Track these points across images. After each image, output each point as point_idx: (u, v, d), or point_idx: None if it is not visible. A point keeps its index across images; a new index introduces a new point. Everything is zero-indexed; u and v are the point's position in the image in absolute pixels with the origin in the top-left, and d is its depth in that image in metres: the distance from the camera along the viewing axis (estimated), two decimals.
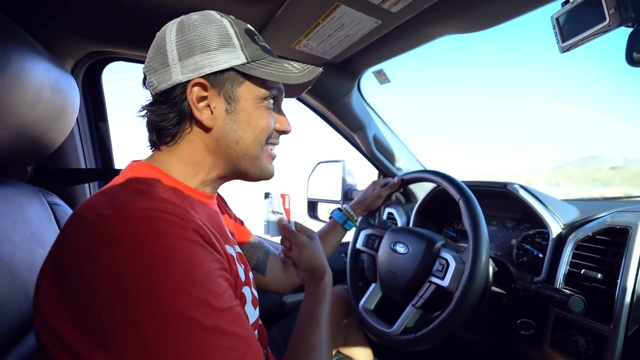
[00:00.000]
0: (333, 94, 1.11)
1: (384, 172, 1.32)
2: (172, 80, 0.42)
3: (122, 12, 0.72)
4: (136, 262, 0.30)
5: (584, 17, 0.49)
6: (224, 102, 0.44)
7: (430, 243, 0.74)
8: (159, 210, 0.34)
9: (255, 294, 0.52)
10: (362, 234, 0.93)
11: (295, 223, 0.64)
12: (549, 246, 0.75)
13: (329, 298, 0.57)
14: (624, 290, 0.59)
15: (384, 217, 1.25)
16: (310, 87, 0.52)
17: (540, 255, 0.81)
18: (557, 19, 0.53)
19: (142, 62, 0.46)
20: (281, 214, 0.63)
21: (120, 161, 1.17)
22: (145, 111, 0.46)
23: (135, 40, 0.85)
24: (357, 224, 0.88)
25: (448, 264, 0.68)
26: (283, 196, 0.63)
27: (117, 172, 0.45)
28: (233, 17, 0.47)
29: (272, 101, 0.48)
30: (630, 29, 0.46)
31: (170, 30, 0.43)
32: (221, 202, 0.66)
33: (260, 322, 0.55)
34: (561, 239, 0.74)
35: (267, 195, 0.62)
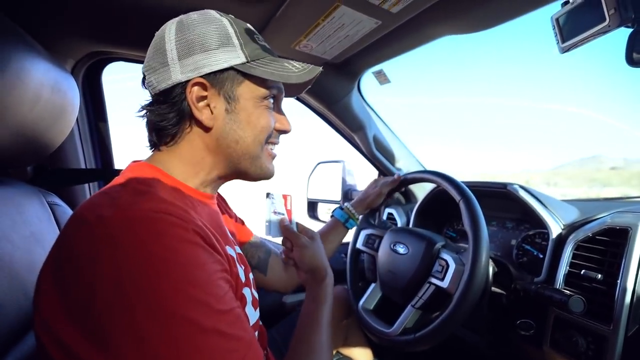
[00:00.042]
0: (333, 95, 1.10)
1: (383, 172, 1.32)
2: (172, 79, 0.42)
3: (122, 12, 0.72)
4: (137, 264, 0.30)
5: (583, 17, 0.49)
6: (224, 101, 0.44)
7: (430, 244, 0.74)
8: (160, 211, 0.34)
9: (256, 295, 0.52)
10: (362, 233, 0.93)
11: (297, 224, 0.63)
12: (549, 247, 0.75)
13: (330, 299, 0.57)
14: (624, 290, 0.59)
15: (384, 217, 1.24)
16: (310, 86, 0.52)
17: (540, 256, 0.81)
18: (557, 20, 0.53)
19: (142, 62, 0.46)
20: (283, 214, 0.62)
21: (120, 161, 1.17)
22: (144, 111, 0.45)
23: (135, 40, 0.85)
24: (358, 222, 0.88)
25: (448, 265, 0.68)
26: (285, 197, 0.63)
27: (117, 172, 0.45)
28: (232, 16, 0.46)
29: (272, 101, 0.48)
30: (630, 30, 0.46)
31: (169, 30, 0.43)
32: (221, 202, 0.66)
33: (260, 322, 0.55)
34: (561, 240, 0.74)
35: (268, 195, 0.61)
